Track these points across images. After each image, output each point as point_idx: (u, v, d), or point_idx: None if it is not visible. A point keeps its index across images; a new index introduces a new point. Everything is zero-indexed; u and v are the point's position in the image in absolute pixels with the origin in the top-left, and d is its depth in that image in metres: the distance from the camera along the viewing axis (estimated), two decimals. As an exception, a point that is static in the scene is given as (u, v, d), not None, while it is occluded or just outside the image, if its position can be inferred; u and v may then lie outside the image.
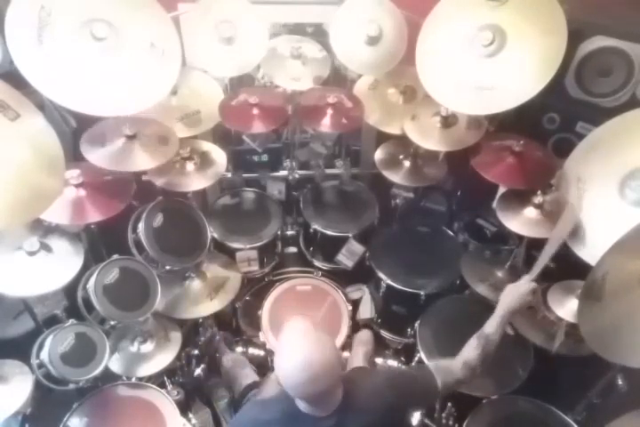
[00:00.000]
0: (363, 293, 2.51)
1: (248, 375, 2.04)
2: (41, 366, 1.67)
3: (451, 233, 2.55)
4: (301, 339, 1.27)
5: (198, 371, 2.16)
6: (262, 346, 2.19)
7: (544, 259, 1.63)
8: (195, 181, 2.10)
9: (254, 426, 1.38)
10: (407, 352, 2.34)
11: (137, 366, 1.93)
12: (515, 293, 1.53)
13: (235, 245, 2.37)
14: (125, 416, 1.84)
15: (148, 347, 1.98)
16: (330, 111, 2.16)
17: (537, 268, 1.63)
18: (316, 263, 2.59)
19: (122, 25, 1.69)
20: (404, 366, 1.86)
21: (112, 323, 1.88)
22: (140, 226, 1.91)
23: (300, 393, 1.27)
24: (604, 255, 1.35)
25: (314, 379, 1.21)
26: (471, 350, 1.46)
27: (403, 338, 2.40)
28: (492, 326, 1.49)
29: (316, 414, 1.30)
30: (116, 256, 1.85)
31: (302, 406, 1.31)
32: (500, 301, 1.54)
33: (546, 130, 2.17)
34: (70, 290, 1.77)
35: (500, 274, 2.08)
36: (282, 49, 2.24)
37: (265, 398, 1.55)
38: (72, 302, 1.82)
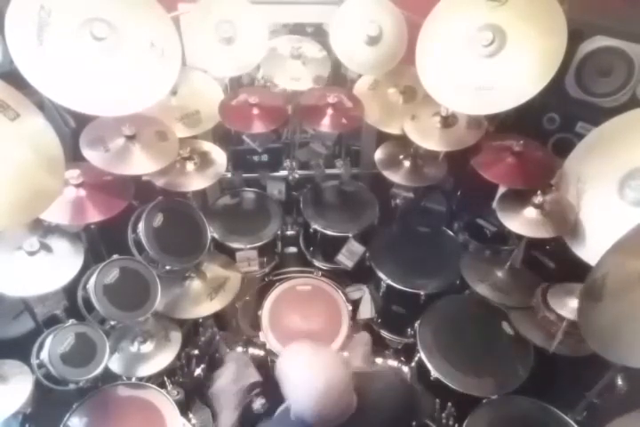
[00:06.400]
0: (363, 293, 2.50)
1: (251, 375, 2.04)
2: (41, 366, 1.66)
3: (451, 233, 2.55)
4: (310, 368, 1.30)
5: (198, 371, 2.15)
6: (262, 346, 2.18)
7: None
8: (195, 181, 2.10)
9: None
10: (407, 352, 2.34)
11: (137, 366, 1.93)
12: None
13: (235, 245, 2.37)
14: (125, 416, 1.84)
15: (148, 347, 1.98)
16: (330, 111, 2.15)
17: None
18: (316, 263, 2.59)
19: (122, 25, 1.69)
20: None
21: (112, 323, 1.87)
22: (140, 226, 1.91)
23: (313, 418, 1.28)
24: (604, 255, 1.35)
25: (328, 403, 1.24)
26: None
27: (403, 338, 2.39)
28: None
29: None
30: (115, 256, 1.85)
31: None
32: None
33: (546, 130, 2.17)
34: (70, 290, 1.77)
35: (499, 274, 2.07)
36: (282, 49, 2.23)
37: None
38: (72, 302, 1.82)
